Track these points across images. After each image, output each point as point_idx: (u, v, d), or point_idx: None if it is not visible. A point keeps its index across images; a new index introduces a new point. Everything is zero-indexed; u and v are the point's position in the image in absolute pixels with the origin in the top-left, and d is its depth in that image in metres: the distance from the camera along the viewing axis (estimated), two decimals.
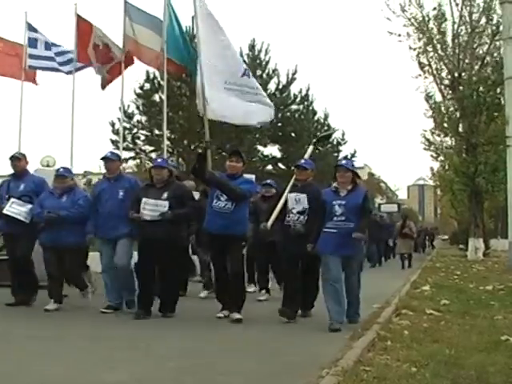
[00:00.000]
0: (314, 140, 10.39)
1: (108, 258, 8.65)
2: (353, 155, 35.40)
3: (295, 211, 8.21)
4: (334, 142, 35.24)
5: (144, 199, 8.21)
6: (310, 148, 9.39)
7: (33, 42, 16.09)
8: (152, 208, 8.17)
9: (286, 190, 8.49)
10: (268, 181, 11.60)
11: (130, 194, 8.55)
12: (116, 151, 8.87)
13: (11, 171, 9.47)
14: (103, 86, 16.18)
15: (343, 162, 8.25)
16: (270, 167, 33.76)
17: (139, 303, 8.33)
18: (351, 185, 7.71)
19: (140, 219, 8.16)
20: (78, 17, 16.20)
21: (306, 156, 9.00)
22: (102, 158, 8.93)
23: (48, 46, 16.19)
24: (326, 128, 34.59)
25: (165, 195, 8.24)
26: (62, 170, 9.11)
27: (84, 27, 16.02)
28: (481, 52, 28.03)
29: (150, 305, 8.30)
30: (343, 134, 35.58)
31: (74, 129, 16.48)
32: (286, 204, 8.38)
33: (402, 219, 23.95)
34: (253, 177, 9.03)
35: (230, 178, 8.19)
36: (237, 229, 8.09)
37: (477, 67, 27.72)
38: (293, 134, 33.05)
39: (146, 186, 8.65)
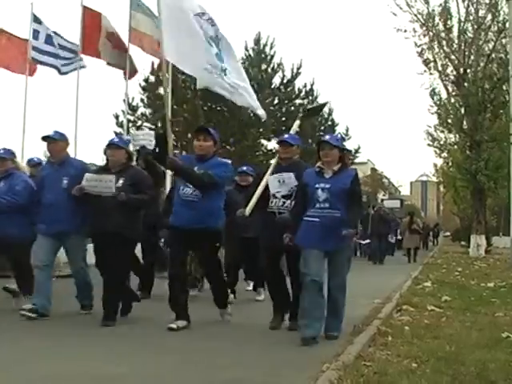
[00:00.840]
0: (301, 114, 8.61)
1: (45, 255, 7.37)
2: (356, 151, 35.38)
3: (280, 195, 6.90)
4: (338, 137, 35.15)
5: (86, 175, 7.07)
6: (297, 121, 8.07)
7: (36, 34, 16.07)
8: (96, 184, 6.99)
9: (268, 171, 7.15)
10: (244, 167, 10.07)
11: (76, 183, 7.13)
12: (61, 131, 7.66)
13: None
14: (130, 75, 16.18)
15: (327, 137, 6.74)
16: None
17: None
18: (338, 165, 6.42)
19: (82, 191, 7.00)
20: (85, 8, 16.19)
21: (292, 130, 7.76)
22: (43, 138, 7.50)
23: (49, 39, 16.10)
24: (329, 123, 34.56)
25: (120, 182, 6.98)
26: (1, 151, 7.92)
27: (91, 18, 15.99)
28: (486, 49, 27.95)
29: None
30: (347, 130, 35.50)
31: (77, 121, 16.52)
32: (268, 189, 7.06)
33: (410, 216, 25.19)
34: (228, 161, 7.52)
35: (200, 160, 6.86)
36: (209, 221, 6.74)
37: (482, 64, 27.63)
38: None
39: (98, 169, 7.49)
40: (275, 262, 7.12)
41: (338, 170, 6.39)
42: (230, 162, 7.61)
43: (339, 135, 7.77)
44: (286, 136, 7.33)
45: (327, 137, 6.74)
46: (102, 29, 15.85)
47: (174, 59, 7.80)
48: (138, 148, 8.93)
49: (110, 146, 7.25)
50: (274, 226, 6.76)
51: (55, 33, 16.35)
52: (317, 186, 6.31)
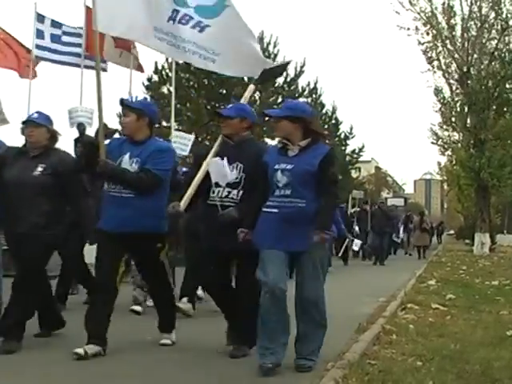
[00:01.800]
0: (257, 78, 6.42)
1: None
2: (360, 149, 35.37)
3: (224, 183, 5.38)
4: (342, 136, 35.19)
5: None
6: (251, 87, 6.22)
7: (40, 33, 16.03)
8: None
9: (210, 153, 5.53)
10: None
11: None
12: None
13: None
14: (141, 69, 16.23)
15: (271, 111, 5.57)
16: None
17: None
18: (307, 140, 5.00)
19: None
20: (88, 8, 16.17)
21: (244, 99, 5.95)
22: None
23: (55, 37, 16.04)
24: (333, 121, 34.55)
25: (38, 169, 5.58)
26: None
27: (90, 19, 15.95)
28: (490, 47, 27.91)
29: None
30: (351, 128, 35.51)
31: None
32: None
33: (420, 215, 26.92)
34: (170, 144, 6.03)
35: (132, 143, 5.45)
36: (147, 223, 5.30)
37: (486, 62, 27.60)
38: None
39: (15, 151, 5.89)
40: (221, 270, 5.51)
41: (305, 147, 4.97)
42: (171, 143, 5.80)
43: (298, 103, 5.86)
44: (228, 107, 5.79)
45: (271, 111, 5.60)
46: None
47: (118, 31, 6.43)
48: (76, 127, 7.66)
49: (28, 123, 5.77)
50: (216, 222, 5.27)
51: (56, 22, 16.15)
52: (276, 166, 4.95)
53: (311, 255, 4.92)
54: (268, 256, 4.85)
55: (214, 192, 5.40)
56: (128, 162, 5.40)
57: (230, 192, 5.36)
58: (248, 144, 5.50)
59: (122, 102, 5.51)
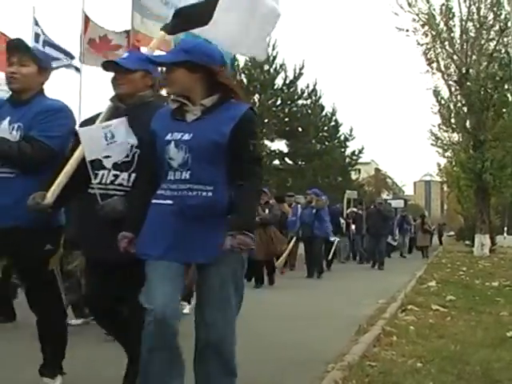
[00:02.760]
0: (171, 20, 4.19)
1: None
2: (360, 151, 35.40)
3: (109, 164, 3.76)
4: (342, 138, 35.22)
5: None
6: (161, 34, 4.19)
7: (37, 38, 16.11)
8: None
9: (98, 120, 3.93)
10: None
11: None
12: None
13: None
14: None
15: (159, 56, 3.91)
16: (276, 162, 33.80)
17: None
18: (213, 97, 3.43)
19: None
20: (86, 15, 16.21)
21: (149, 48, 4.21)
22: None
23: (46, 43, 16.13)
24: (333, 123, 34.58)
25: None
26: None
27: (87, 24, 16.03)
28: (489, 48, 27.94)
29: None
30: (351, 130, 35.53)
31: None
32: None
33: (422, 218, 28.47)
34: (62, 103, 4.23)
35: (14, 103, 4.03)
36: (30, 215, 3.74)
37: (484, 63, 27.63)
38: (300, 129, 33.09)
39: None
40: (106, 289, 3.88)
41: (210, 107, 3.40)
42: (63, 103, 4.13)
43: (198, 44, 3.58)
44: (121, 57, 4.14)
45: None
46: (87, 35, 15.83)
47: None
48: None
49: None
50: (95, 220, 3.68)
51: (49, 42, 16.34)
52: (169, 137, 3.38)
53: (220, 271, 3.34)
54: (156, 271, 3.32)
55: (96, 176, 3.76)
56: (7, 130, 3.92)
57: (117, 176, 3.75)
58: (147, 108, 3.73)
59: (12, 44, 4.09)
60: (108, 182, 3.74)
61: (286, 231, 15.01)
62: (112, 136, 3.71)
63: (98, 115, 3.98)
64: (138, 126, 3.69)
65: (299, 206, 17.28)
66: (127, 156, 3.74)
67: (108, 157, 3.74)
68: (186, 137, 3.33)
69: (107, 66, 3.91)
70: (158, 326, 3.22)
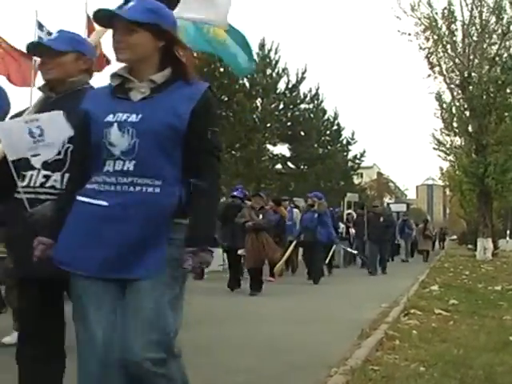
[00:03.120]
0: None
1: None
2: (362, 155, 35.45)
3: (38, 163, 3.10)
4: (344, 142, 35.27)
5: None
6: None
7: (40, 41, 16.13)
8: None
9: (26, 112, 3.31)
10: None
11: None
12: None
13: None
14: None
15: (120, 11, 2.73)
16: (279, 166, 33.87)
17: None
18: (165, 72, 2.79)
19: None
20: (89, 17, 16.22)
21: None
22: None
23: None
24: (335, 127, 34.67)
25: None
26: None
27: (91, 28, 16.05)
28: (491, 52, 27.94)
29: None
30: (353, 134, 35.62)
31: None
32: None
33: (424, 223, 29.67)
34: None
35: None
36: None
37: (487, 67, 27.63)
38: (302, 133, 33.17)
39: None
40: (35, 306, 3.06)
41: (161, 85, 2.75)
42: None
43: (159, 4, 2.79)
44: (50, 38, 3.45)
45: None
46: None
47: None
48: None
49: None
50: (23, 230, 2.98)
51: (50, 32, 16.31)
52: (110, 118, 2.70)
53: (155, 288, 2.59)
54: (90, 294, 2.64)
55: (23, 178, 3.10)
56: None
57: (48, 177, 3.07)
58: (80, 96, 2.96)
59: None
60: (38, 184, 3.06)
61: (285, 235, 14.97)
62: (41, 133, 3.01)
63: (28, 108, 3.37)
64: (68, 117, 2.98)
65: (295, 210, 17.18)
66: (59, 153, 3.05)
67: (36, 155, 3.06)
68: (133, 118, 2.67)
69: (33, 48, 3.34)
70: (95, 358, 2.61)
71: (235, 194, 13.21)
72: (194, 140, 2.69)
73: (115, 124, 2.66)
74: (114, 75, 2.79)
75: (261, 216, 11.82)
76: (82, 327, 2.64)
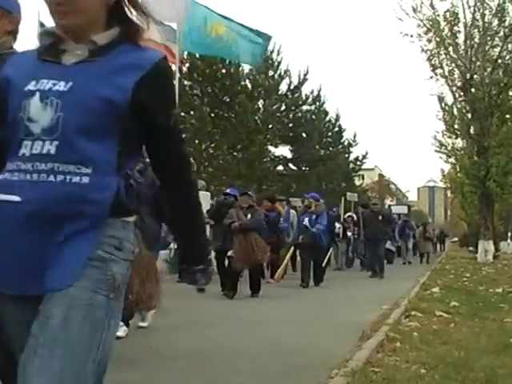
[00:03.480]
0: None
1: None
2: (364, 157, 35.46)
3: None
4: (345, 143, 35.30)
5: None
6: None
7: None
8: None
9: None
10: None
11: None
12: None
13: None
14: None
15: None
16: (280, 168, 33.89)
17: None
18: (111, 31, 2.06)
19: None
20: None
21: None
22: None
23: None
24: (337, 129, 34.70)
25: None
26: None
27: None
28: (493, 54, 27.95)
29: None
30: (354, 136, 35.65)
31: None
32: None
33: (423, 225, 30.34)
34: None
35: None
36: None
37: (489, 69, 27.63)
38: (304, 135, 33.19)
39: None
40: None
41: (103, 47, 2.03)
42: None
43: None
44: None
45: None
46: None
47: None
48: None
49: None
50: None
51: None
52: (31, 86, 2.00)
53: (75, 308, 1.85)
54: (12, 323, 2.01)
55: None
56: None
57: None
58: (1, 63, 2.23)
59: None
60: None
61: (283, 235, 14.89)
62: None
63: None
64: None
65: (291, 211, 17.00)
66: None
67: None
68: (61, 86, 1.98)
69: None
70: None
71: (228, 191, 13.00)
72: (148, 122, 2.04)
73: (37, 93, 1.98)
74: (44, 33, 2.12)
75: (249, 216, 11.23)
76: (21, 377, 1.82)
